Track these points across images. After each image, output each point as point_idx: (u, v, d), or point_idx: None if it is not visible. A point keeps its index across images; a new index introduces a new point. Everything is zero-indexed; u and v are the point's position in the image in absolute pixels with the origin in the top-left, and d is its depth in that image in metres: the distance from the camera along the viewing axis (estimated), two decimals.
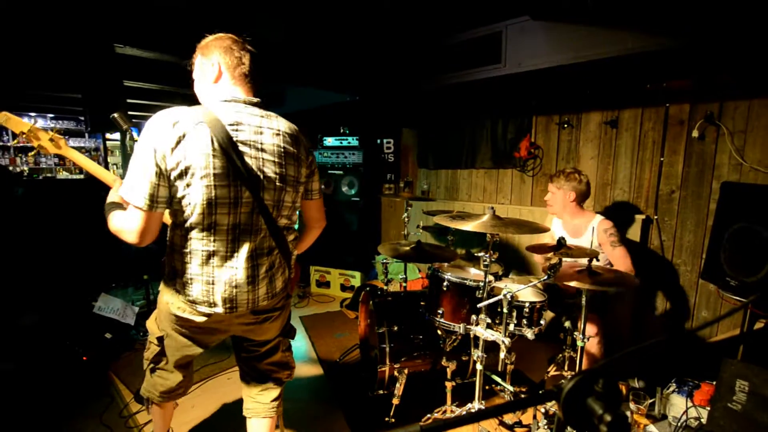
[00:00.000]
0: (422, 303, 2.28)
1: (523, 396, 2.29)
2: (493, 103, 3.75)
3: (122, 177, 1.44)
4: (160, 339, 1.57)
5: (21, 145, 6.78)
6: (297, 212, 1.59)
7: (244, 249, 1.38)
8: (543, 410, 2.08)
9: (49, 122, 7.03)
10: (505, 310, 1.88)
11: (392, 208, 4.77)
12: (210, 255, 1.34)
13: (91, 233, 3.90)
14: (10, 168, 6.41)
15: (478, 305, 1.97)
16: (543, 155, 3.55)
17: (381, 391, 2.30)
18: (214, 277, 1.36)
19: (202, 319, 1.41)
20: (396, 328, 2.26)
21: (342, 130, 4.58)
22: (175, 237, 1.37)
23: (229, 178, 1.31)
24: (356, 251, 4.57)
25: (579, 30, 2.33)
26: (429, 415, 2.30)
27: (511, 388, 2.17)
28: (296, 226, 1.67)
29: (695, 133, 2.68)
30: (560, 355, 2.43)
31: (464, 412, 2.17)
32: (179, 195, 1.29)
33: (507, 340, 1.88)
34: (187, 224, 1.32)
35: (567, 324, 2.29)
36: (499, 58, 2.64)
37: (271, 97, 4.63)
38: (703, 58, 2.39)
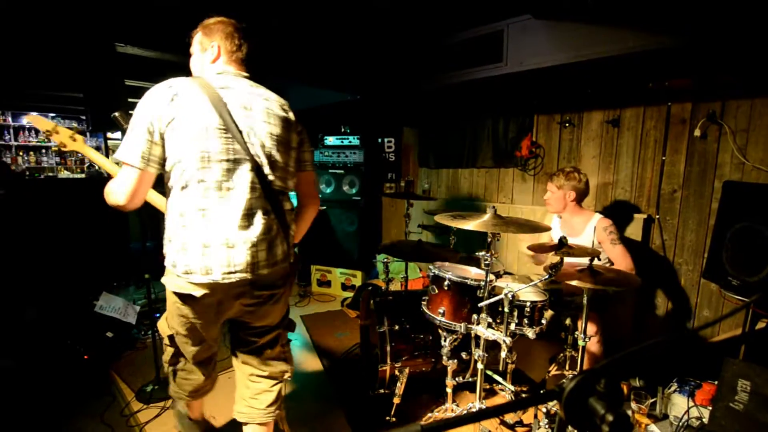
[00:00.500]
0: (423, 302, 2.27)
1: (524, 395, 2.29)
2: (495, 102, 3.74)
3: None
4: (171, 338, 1.57)
5: (23, 144, 6.80)
6: (293, 180, 1.59)
7: (239, 206, 1.37)
8: (544, 410, 2.07)
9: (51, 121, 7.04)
10: (506, 310, 1.88)
11: (393, 208, 4.77)
12: (204, 213, 1.34)
13: (93, 232, 3.91)
14: (13, 167, 6.42)
15: (479, 304, 1.96)
16: (544, 154, 3.54)
17: (382, 391, 2.30)
18: (209, 238, 1.34)
19: (201, 292, 1.36)
20: (397, 328, 2.26)
21: (343, 129, 4.58)
22: (172, 199, 1.38)
23: (221, 131, 1.35)
24: (357, 250, 4.57)
25: (580, 29, 2.33)
26: (430, 415, 2.30)
27: (512, 388, 2.16)
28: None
29: (697, 132, 2.67)
30: (561, 355, 2.42)
31: (465, 412, 2.17)
32: (172, 151, 1.33)
33: (508, 340, 1.88)
34: (183, 182, 1.34)
35: (568, 323, 2.29)
36: (501, 57, 2.63)
37: None
38: (705, 57, 2.38)
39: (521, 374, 2.67)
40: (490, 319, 1.96)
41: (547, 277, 1.80)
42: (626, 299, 2.89)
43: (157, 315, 1.93)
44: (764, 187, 2.27)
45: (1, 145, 6.59)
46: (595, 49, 2.29)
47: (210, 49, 1.50)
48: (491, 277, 1.97)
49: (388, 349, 2.21)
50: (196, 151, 1.32)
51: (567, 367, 2.39)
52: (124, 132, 2.34)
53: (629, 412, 2.08)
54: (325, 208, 4.63)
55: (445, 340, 2.14)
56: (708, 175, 2.69)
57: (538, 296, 2.13)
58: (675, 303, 2.89)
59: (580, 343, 1.89)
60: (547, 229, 2.01)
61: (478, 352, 1.99)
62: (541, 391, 0.56)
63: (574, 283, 1.77)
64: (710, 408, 1.82)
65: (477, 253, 1.99)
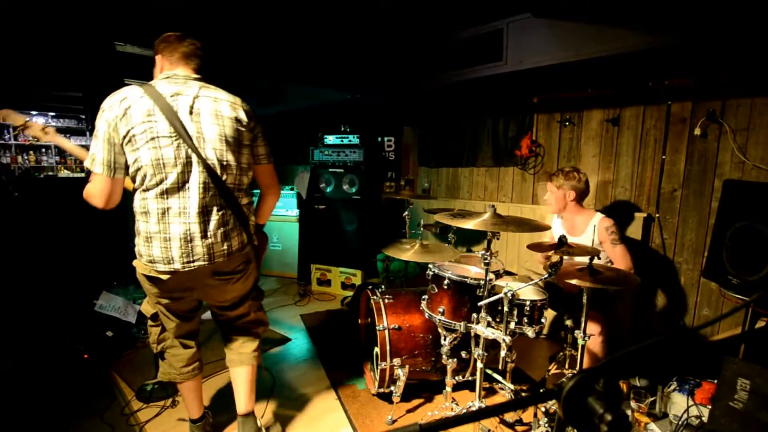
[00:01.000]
0: (423, 301, 2.27)
1: (523, 394, 2.29)
2: (495, 101, 3.74)
3: None
4: (154, 316, 1.78)
5: (22, 143, 6.79)
6: (248, 175, 1.73)
7: (194, 204, 1.54)
8: (544, 409, 2.08)
9: (50, 120, 7.04)
10: (505, 309, 1.88)
11: (393, 206, 4.76)
12: (164, 212, 1.52)
13: (92, 231, 3.91)
14: (13, 166, 6.42)
15: (479, 303, 1.96)
16: (544, 153, 3.54)
17: (382, 389, 2.31)
18: (170, 233, 1.52)
19: (166, 276, 1.58)
20: (397, 327, 2.26)
21: (343, 128, 4.57)
22: (136, 200, 1.55)
23: (172, 139, 1.49)
24: (357, 249, 4.57)
25: (580, 28, 2.32)
26: (429, 413, 2.30)
27: (511, 387, 2.17)
28: (255, 200, 1.84)
29: (697, 131, 2.67)
30: (561, 354, 2.43)
31: (464, 411, 2.17)
32: (132, 159, 1.49)
33: (507, 339, 1.88)
34: (144, 186, 1.51)
35: (568, 322, 2.29)
36: (501, 55, 2.63)
37: (271, 95, 4.62)
38: (705, 55, 2.38)
39: (521, 373, 2.67)
40: (489, 318, 1.96)
41: (546, 276, 1.81)
42: (626, 298, 2.89)
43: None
44: (764, 186, 2.27)
45: (1, 145, 6.58)
46: (594, 48, 2.29)
47: (157, 64, 1.67)
48: (491, 276, 1.97)
49: (388, 347, 2.21)
50: (152, 159, 1.48)
51: (567, 366, 2.39)
52: None
53: (629, 411, 2.08)
54: (324, 207, 4.63)
55: (444, 339, 2.14)
56: (708, 174, 2.69)
57: (537, 295, 2.13)
58: (675, 302, 2.89)
59: (580, 342, 1.89)
60: (547, 228, 2.01)
61: (477, 351, 1.99)
62: (541, 391, 0.56)
63: (574, 282, 1.77)
64: (710, 407, 1.82)
65: (476, 252, 1.99)
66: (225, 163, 1.59)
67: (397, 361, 2.21)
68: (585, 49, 2.32)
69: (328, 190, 4.60)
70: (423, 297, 2.30)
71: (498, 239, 2.11)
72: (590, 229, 2.37)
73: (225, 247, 1.61)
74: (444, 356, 2.15)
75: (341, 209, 4.59)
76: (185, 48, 1.62)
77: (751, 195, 2.13)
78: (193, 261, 1.55)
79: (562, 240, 1.86)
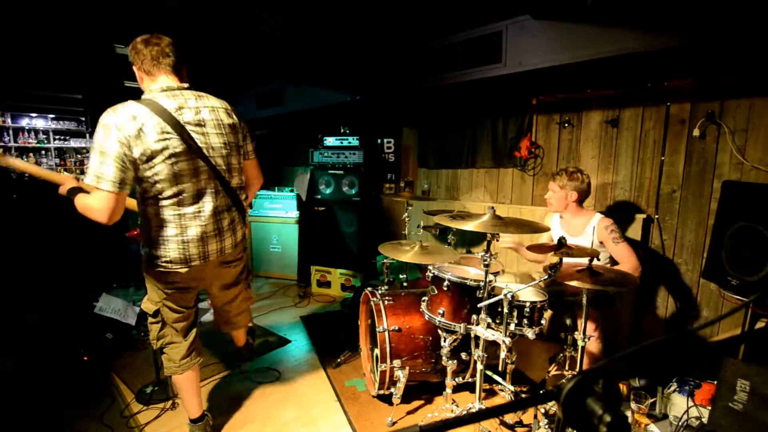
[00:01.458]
0: (423, 302, 2.28)
1: (523, 396, 2.29)
2: (494, 103, 3.74)
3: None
4: (156, 312, 1.85)
5: (22, 145, 6.79)
6: (243, 172, 1.91)
7: (208, 208, 1.71)
8: (543, 410, 2.07)
9: (50, 122, 7.05)
10: (505, 310, 1.88)
11: (392, 208, 4.76)
12: (180, 217, 1.65)
13: (92, 233, 3.91)
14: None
15: (479, 305, 1.97)
16: (543, 155, 3.54)
17: (382, 391, 2.31)
18: (187, 236, 1.67)
19: (185, 270, 1.71)
20: (397, 328, 2.26)
21: (342, 130, 4.58)
22: (149, 209, 1.63)
23: (186, 154, 1.61)
24: (357, 251, 4.57)
25: (579, 29, 2.33)
26: (429, 415, 2.30)
27: (511, 388, 2.17)
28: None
29: (696, 132, 2.68)
30: (561, 355, 2.42)
31: (465, 412, 2.17)
32: (148, 174, 1.55)
33: (507, 340, 1.88)
34: (160, 196, 1.60)
35: (568, 323, 2.29)
36: (500, 57, 2.63)
37: (270, 97, 4.63)
38: (704, 57, 2.39)
39: (521, 374, 2.67)
40: (489, 320, 1.96)
41: (546, 277, 1.81)
42: (625, 299, 2.89)
43: None
44: (763, 187, 2.27)
45: (1, 147, 6.58)
46: (594, 50, 2.29)
47: (139, 70, 1.70)
48: (490, 277, 1.97)
49: (388, 349, 2.21)
50: (169, 172, 1.58)
51: (567, 368, 2.39)
52: None
53: (629, 413, 2.09)
54: (324, 208, 4.63)
55: (444, 341, 2.14)
56: (707, 175, 2.70)
57: (537, 296, 2.14)
58: (674, 303, 2.89)
59: (580, 343, 1.90)
60: (546, 229, 2.01)
61: (477, 353, 1.99)
62: (540, 392, 0.56)
63: (574, 283, 1.77)
64: (710, 408, 1.82)
65: (476, 253, 1.99)
66: (230, 167, 1.78)
67: (397, 362, 2.21)
68: (584, 50, 2.32)
69: (328, 191, 4.60)
70: (423, 298, 2.30)
71: (497, 240, 2.12)
72: (589, 230, 2.37)
73: (232, 241, 1.84)
74: (444, 358, 2.15)
75: (341, 211, 4.60)
76: (152, 52, 1.65)
77: (749, 196, 2.13)
78: (208, 257, 1.74)
79: (562, 241, 1.87)
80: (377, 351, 2.30)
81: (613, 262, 2.41)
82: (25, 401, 2.38)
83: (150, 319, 1.89)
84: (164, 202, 1.61)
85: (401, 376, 2.19)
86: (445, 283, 2.09)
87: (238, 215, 1.85)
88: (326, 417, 2.30)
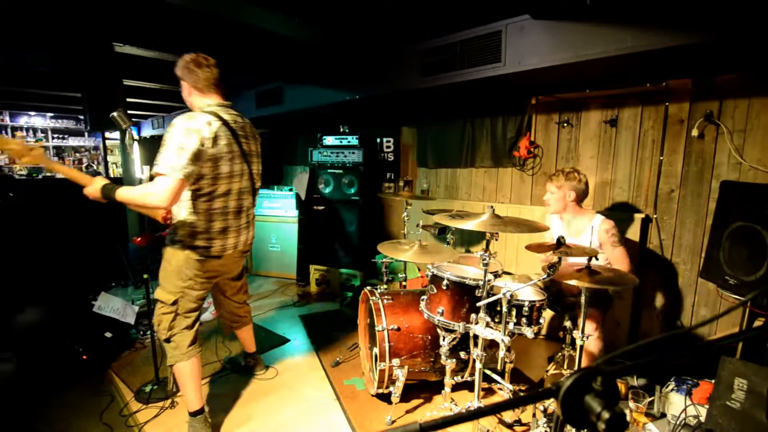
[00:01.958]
0: (422, 301, 2.28)
1: (522, 395, 2.29)
2: (493, 102, 3.74)
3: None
4: (175, 302, 1.99)
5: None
6: None
7: (245, 205, 2.07)
8: (542, 408, 2.08)
9: (49, 121, 7.03)
10: (504, 309, 1.89)
11: (392, 207, 4.77)
12: (226, 212, 1.96)
13: (91, 232, 3.90)
14: (11, 168, 6.40)
15: (478, 304, 1.97)
16: (543, 154, 3.55)
17: (381, 390, 2.31)
18: (228, 226, 1.98)
19: (221, 258, 2.01)
20: (396, 327, 2.27)
21: (342, 129, 4.58)
22: (201, 205, 1.88)
23: (239, 158, 1.97)
24: (356, 250, 4.57)
25: (579, 29, 2.33)
26: (429, 413, 2.30)
27: (510, 387, 2.17)
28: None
29: (695, 132, 2.68)
30: (560, 354, 2.43)
31: (463, 410, 2.17)
32: (210, 172, 1.83)
33: (506, 339, 1.88)
34: (215, 192, 1.88)
35: (567, 323, 2.30)
36: (499, 57, 2.63)
37: (269, 96, 4.62)
38: (703, 57, 2.39)
39: (520, 373, 2.68)
40: (488, 319, 1.96)
41: (545, 276, 1.81)
42: (624, 298, 2.90)
43: None
44: (761, 187, 2.28)
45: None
46: (593, 49, 2.29)
47: (196, 87, 1.97)
48: (489, 276, 1.97)
49: (387, 348, 2.21)
50: (227, 173, 1.90)
51: (565, 366, 2.40)
52: (122, 131, 2.37)
53: (627, 411, 2.09)
54: (323, 208, 4.63)
55: (443, 340, 2.14)
56: (705, 174, 2.71)
57: (536, 296, 2.14)
58: (673, 302, 2.90)
59: (578, 342, 1.90)
60: (546, 229, 2.02)
61: (476, 352, 1.99)
62: (539, 390, 0.57)
63: (573, 282, 1.78)
64: (707, 406, 1.83)
65: (475, 253, 2.00)
66: (259, 173, 2.15)
67: (396, 361, 2.22)
68: (584, 50, 2.33)
69: (327, 190, 4.60)
70: (422, 297, 2.31)
71: (496, 240, 2.12)
72: (589, 230, 2.38)
73: (252, 234, 2.19)
74: (443, 357, 2.15)
75: (340, 210, 4.60)
76: (206, 74, 1.94)
77: (747, 196, 2.14)
78: (237, 247, 2.06)
79: (560, 241, 1.87)
80: (376, 350, 2.30)
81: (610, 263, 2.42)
82: (24, 400, 2.38)
83: (164, 309, 1.99)
84: (216, 198, 1.89)
85: (400, 374, 2.19)
86: (444, 282, 2.09)
87: (253, 213, 2.19)
88: (325, 415, 2.30)
